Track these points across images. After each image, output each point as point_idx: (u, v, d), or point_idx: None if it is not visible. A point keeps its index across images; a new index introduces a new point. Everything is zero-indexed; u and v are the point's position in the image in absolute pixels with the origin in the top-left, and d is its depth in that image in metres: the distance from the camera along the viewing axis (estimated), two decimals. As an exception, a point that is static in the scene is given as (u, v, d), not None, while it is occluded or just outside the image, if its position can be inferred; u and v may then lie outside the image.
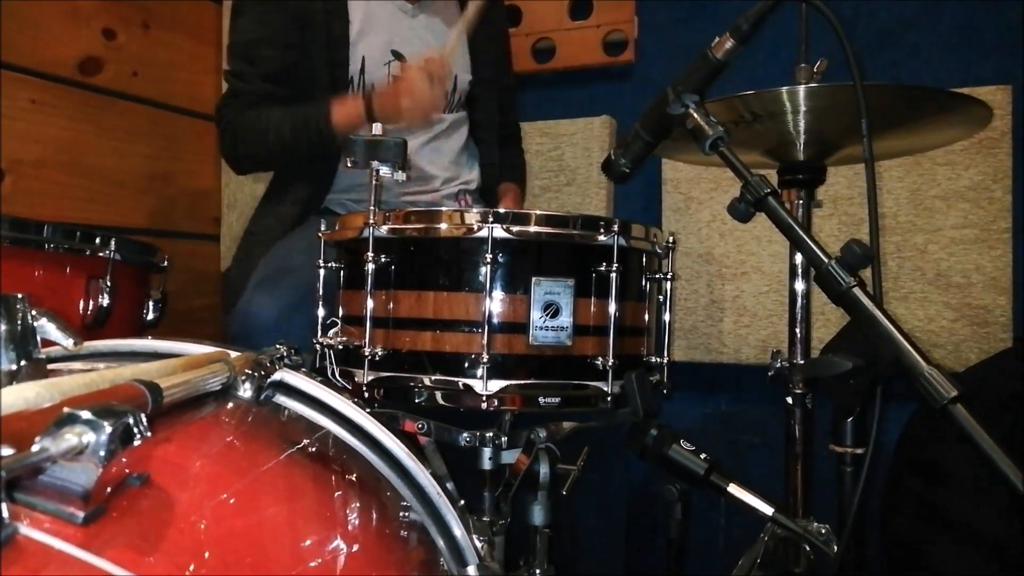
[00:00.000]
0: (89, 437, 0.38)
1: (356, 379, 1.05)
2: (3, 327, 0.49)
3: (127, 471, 0.46)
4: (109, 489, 0.42)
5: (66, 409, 0.39)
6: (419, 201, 1.62)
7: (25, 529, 0.37)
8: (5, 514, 0.34)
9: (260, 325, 1.25)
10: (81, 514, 0.39)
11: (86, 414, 0.39)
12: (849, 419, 0.85)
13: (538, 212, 1.02)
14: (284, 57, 1.54)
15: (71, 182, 1.84)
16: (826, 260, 0.79)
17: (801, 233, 0.83)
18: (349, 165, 1.04)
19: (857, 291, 0.77)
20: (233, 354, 0.75)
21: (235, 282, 1.53)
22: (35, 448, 0.37)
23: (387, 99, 1.39)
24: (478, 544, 0.75)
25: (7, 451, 0.35)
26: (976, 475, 1.31)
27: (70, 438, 0.37)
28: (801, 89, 1.05)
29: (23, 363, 0.51)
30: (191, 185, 2.18)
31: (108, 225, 1.88)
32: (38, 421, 0.39)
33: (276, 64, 1.54)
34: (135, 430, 0.41)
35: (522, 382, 1.00)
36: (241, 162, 1.62)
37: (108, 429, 0.39)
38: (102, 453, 0.39)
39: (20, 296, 0.51)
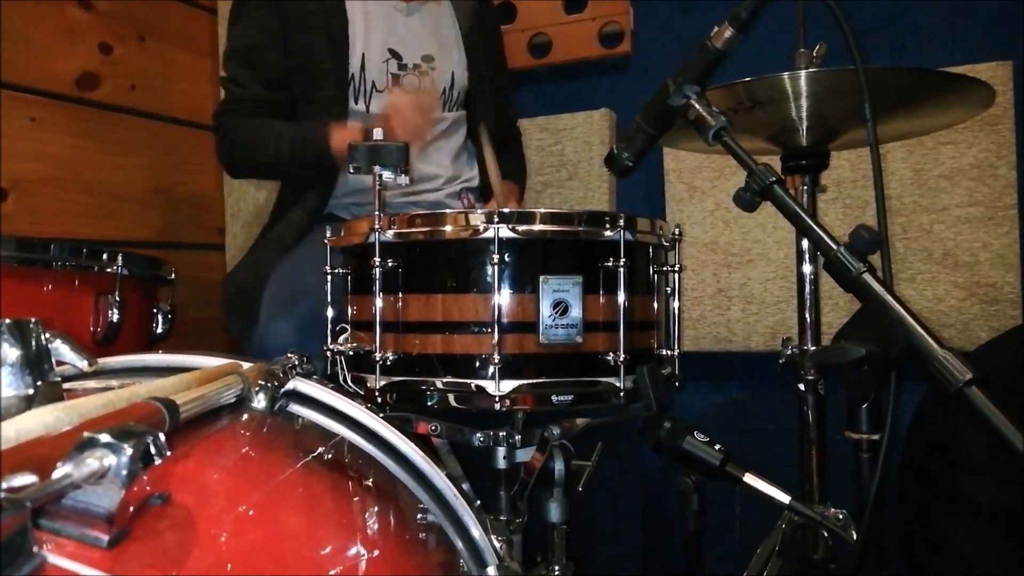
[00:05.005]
0: (110, 460, 0.38)
1: (368, 384, 1.05)
2: (18, 352, 0.49)
3: (148, 490, 0.46)
4: (132, 508, 0.43)
5: (86, 433, 0.39)
6: (422, 202, 1.62)
7: (51, 557, 0.37)
8: (33, 546, 0.34)
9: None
10: (106, 538, 0.39)
11: (106, 437, 0.39)
12: (864, 405, 0.85)
13: (543, 210, 1.02)
14: (284, 61, 1.54)
15: (74, 198, 1.84)
16: (835, 247, 0.78)
17: (808, 221, 0.82)
18: (352, 171, 1.04)
19: (867, 277, 0.76)
20: (245, 365, 0.75)
21: (244, 284, 1.52)
22: (58, 475, 0.37)
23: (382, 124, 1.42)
24: (497, 544, 0.75)
25: (31, 479, 0.35)
26: (993, 452, 1.30)
27: (91, 462, 0.37)
28: (802, 74, 1.04)
29: (39, 384, 0.51)
30: (194, 196, 2.18)
31: (112, 239, 1.89)
32: (59, 446, 0.39)
33: (276, 69, 1.54)
34: (154, 450, 0.41)
35: (534, 381, 1.00)
36: (237, 169, 1.67)
37: (129, 451, 0.39)
38: (124, 474, 0.39)
39: (34, 320, 0.51)
